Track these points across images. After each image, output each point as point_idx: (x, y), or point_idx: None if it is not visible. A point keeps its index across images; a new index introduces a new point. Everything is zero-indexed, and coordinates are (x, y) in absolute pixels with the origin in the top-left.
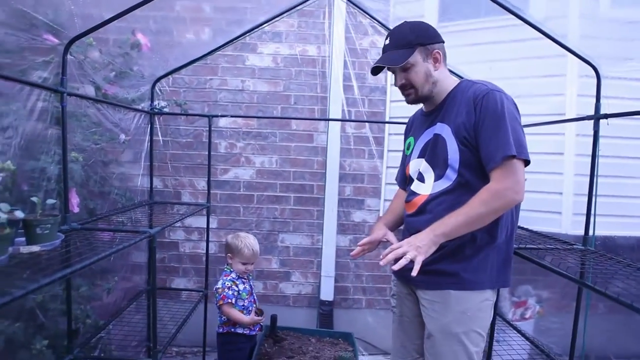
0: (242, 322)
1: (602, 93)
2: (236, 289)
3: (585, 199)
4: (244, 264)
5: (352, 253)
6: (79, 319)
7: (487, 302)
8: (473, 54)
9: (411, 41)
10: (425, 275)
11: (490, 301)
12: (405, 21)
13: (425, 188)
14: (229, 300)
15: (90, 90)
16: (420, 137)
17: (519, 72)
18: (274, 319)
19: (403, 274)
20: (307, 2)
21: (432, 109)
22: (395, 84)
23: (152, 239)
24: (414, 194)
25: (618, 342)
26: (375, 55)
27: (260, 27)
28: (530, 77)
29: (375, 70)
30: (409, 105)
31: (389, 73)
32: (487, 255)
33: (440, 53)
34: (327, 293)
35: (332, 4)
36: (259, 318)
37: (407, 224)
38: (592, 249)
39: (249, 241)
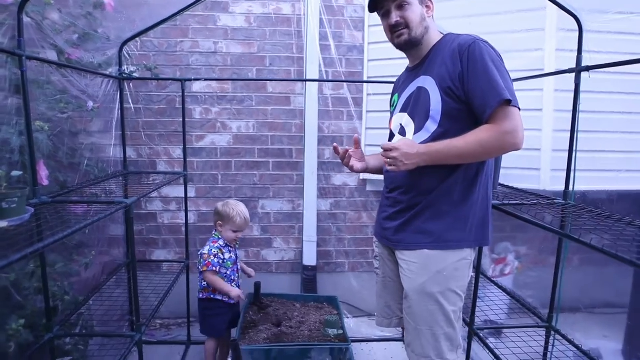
0: (225, 291)
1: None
2: (222, 257)
3: (564, 155)
4: (234, 231)
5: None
6: (56, 296)
7: (464, 261)
8: (452, 9)
9: None
10: (402, 234)
11: (468, 260)
12: None
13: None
14: (213, 268)
15: (52, 56)
16: (404, 92)
17: (498, 27)
18: (257, 286)
19: (383, 235)
20: None
21: (417, 63)
22: (390, 22)
23: (129, 210)
24: None
25: (590, 293)
26: (352, 13)
27: None
28: (509, 32)
29: (372, 6)
30: (398, 49)
31: (367, 30)
32: (464, 212)
33: (432, 3)
34: (309, 258)
35: None
36: (240, 293)
37: (385, 179)
38: (572, 203)
39: (240, 209)
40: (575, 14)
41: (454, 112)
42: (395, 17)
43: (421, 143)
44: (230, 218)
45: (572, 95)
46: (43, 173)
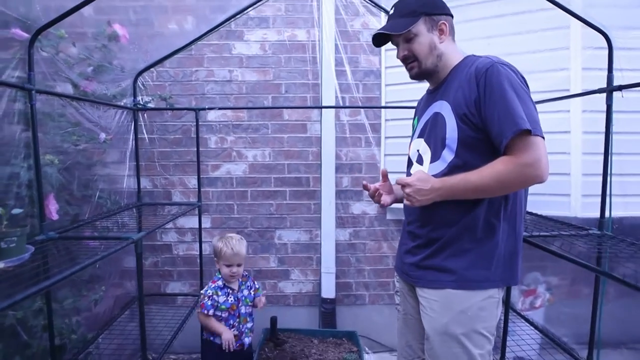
0: (217, 333)
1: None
2: (216, 299)
3: (595, 179)
4: (227, 266)
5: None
6: (64, 334)
7: (491, 299)
8: (470, 30)
9: (415, 10)
10: (422, 270)
11: (496, 298)
12: None
13: (422, 170)
14: (205, 311)
15: (67, 88)
16: (422, 116)
17: (519, 47)
18: (273, 321)
19: (403, 270)
20: None
21: (436, 86)
22: (398, 56)
23: (137, 245)
24: None
25: (632, 327)
26: (368, 37)
27: (244, 12)
28: (531, 52)
29: (378, 41)
30: (412, 80)
31: (383, 54)
32: (489, 248)
33: (447, 25)
34: (328, 290)
35: None
36: (230, 339)
37: (404, 210)
38: (609, 234)
39: (230, 240)
40: (604, 30)
41: (471, 140)
42: (402, 50)
43: (438, 174)
44: (219, 251)
45: (601, 115)
46: (53, 207)
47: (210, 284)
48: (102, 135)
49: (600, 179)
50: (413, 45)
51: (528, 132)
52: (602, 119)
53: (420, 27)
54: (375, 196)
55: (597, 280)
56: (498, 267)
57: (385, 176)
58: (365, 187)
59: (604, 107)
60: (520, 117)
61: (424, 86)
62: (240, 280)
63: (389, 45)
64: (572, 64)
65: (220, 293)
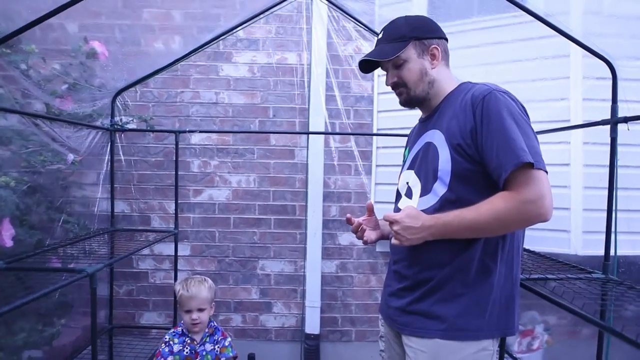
0: None
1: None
2: (171, 347)
3: (596, 215)
4: (186, 312)
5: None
6: None
7: (484, 352)
8: (467, 57)
9: (405, 34)
10: (408, 316)
11: (489, 351)
12: (402, 16)
13: (411, 205)
14: (160, 359)
15: (41, 107)
16: (414, 147)
17: (517, 75)
18: (251, 358)
19: (388, 314)
20: (281, 5)
21: (428, 114)
22: (387, 83)
23: (92, 279)
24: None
25: None
26: None
27: (232, 32)
28: (529, 80)
29: (365, 67)
30: (403, 107)
31: (376, 80)
32: (484, 293)
33: (439, 49)
34: (312, 325)
35: (310, 8)
36: None
37: (390, 247)
38: (614, 279)
39: (189, 282)
40: (608, 59)
41: (465, 173)
42: (391, 77)
43: (428, 208)
44: (177, 295)
45: (603, 148)
46: (7, 233)
47: (173, 328)
48: (70, 157)
49: (602, 214)
50: (402, 71)
51: (530, 166)
52: (604, 151)
53: (410, 53)
54: (358, 231)
55: (601, 334)
56: (493, 315)
57: (370, 210)
58: (349, 221)
59: (607, 139)
60: (521, 148)
61: (419, 113)
62: (206, 331)
63: (382, 71)
64: (573, 94)
65: (176, 340)
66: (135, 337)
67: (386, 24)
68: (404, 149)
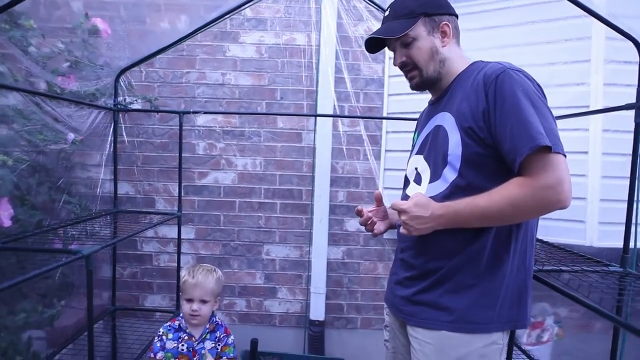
0: None
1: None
2: (164, 342)
3: (614, 205)
4: (188, 300)
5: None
6: (8, 355)
7: (493, 346)
8: (484, 39)
9: (414, 10)
10: (415, 306)
11: (499, 345)
12: None
13: (420, 191)
14: (151, 355)
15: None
16: (423, 131)
17: (535, 58)
18: (254, 344)
19: (393, 303)
20: None
21: (438, 96)
22: (395, 63)
23: (88, 260)
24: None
25: None
26: None
27: (239, 10)
28: (548, 64)
29: (371, 47)
30: (413, 91)
31: (387, 62)
32: (495, 285)
33: (450, 26)
34: (317, 312)
35: None
36: None
37: (397, 235)
38: (633, 272)
39: (196, 269)
40: (636, 37)
41: (477, 157)
42: (399, 57)
43: (437, 195)
44: (182, 280)
45: (624, 136)
46: (5, 213)
47: (170, 320)
48: (70, 136)
49: (620, 205)
50: (412, 50)
51: (547, 149)
52: (624, 139)
53: (419, 30)
54: (367, 224)
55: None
56: (504, 307)
57: (379, 200)
58: (359, 213)
59: (627, 127)
60: (537, 131)
61: (430, 96)
62: (206, 327)
63: (390, 49)
64: (593, 79)
65: (170, 336)
66: (138, 319)
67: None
68: (413, 134)
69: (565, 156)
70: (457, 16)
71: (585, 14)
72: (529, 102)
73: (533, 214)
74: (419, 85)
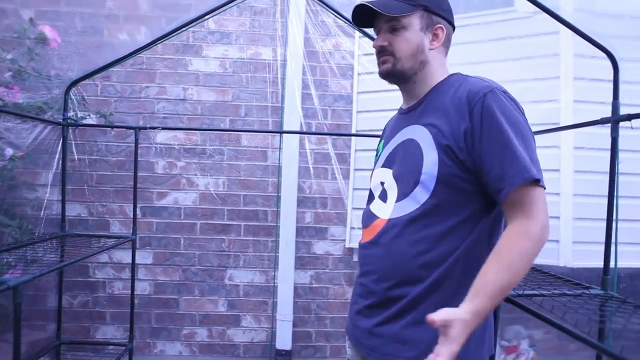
0: None
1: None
2: None
3: (588, 223)
4: None
5: None
6: None
7: None
8: (454, 55)
9: None
10: (376, 339)
11: None
12: None
13: (385, 210)
14: None
15: None
16: (392, 141)
17: (504, 75)
18: None
19: (354, 335)
20: None
21: (412, 104)
22: (374, 44)
23: (16, 293)
24: (373, 216)
25: None
26: (339, 60)
27: (201, 20)
28: (517, 80)
29: (358, 19)
30: (381, 78)
31: (356, 78)
32: None
33: (444, 31)
34: (283, 340)
35: (287, 1)
36: None
37: (359, 257)
38: (614, 295)
39: None
40: (610, 50)
41: (453, 179)
42: (382, 40)
43: (405, 215)
44: None
45: (594, 153)
46: None
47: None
48: (9, 152)
49: (593, 224)
50: (397, 38)
51: (535, 182)
52: (596, 157)
53: (414, 21)
54: None
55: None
56: (472, 339)
57: None
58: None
59: (599, 144)
60: (527, 162)
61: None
62: None
63: (363, 68)
64: (563, 95)
65: None
66: (87, 353)
67: None
68: (378, 142)
69: (545, 188)
70: (454, 28)
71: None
72: (517, 129)
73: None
74: (388, 73)
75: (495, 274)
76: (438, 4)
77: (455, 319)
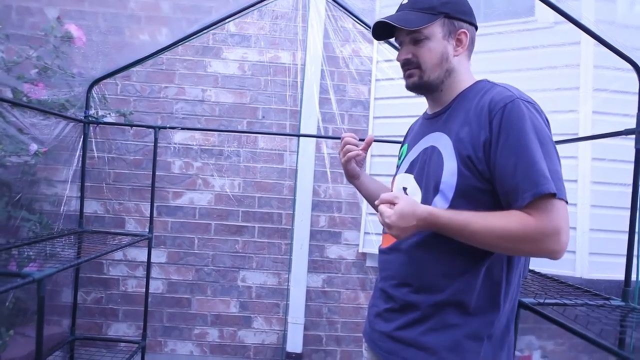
0: None
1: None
2: None
3: (604, 235)
4: None
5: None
6: None
7: None
8: (475, 64)
9: (436, 6)
10: (394, 343)
11: None
12: None
13: (407, 197)
14: None
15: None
16: (415, 146)
17: (524, 84)
18: None
19: (372, 338)
20: None
21: (437, 110)
22: (398, 58)
23: (40, 286)
24: None
25: None
26: (358, 65)
27: (222, 23)
28: (537, 90)
29: (378, 33)
30: (408, 90)
31: (373, 84)
32: (482, 324)
33: (467, 36)
34: (294, 343)
35: (308, 6)
36: None
37: (379, 262)
38: (638, 307)
39: None
40: (635, 60)
41: (472, 190)
42: (405, 53)
43: None
44: None
45: (612, 165)
46: None
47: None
48: (33, 147)
49: (610, 235)
50: (421, 49)
51: (551, 195)
52: (614, 168)
53: (436, 30)
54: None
55: None
56: (489, 349)
57: (367, 146)
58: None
59: (617, 155)
60: (543, 174)
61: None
62: None
63: (381, 74)
64: (582, 107)
65: None
66: (99, 349)
67: None
68: (400, 146)
69: (567, 202)
70: (476, 27)
71: (574, 41)
72: (536, 139)
73: (521, 254)
74: (415, 86)
75: (469, 218)
76: (459, 8)
77: (404, 196)
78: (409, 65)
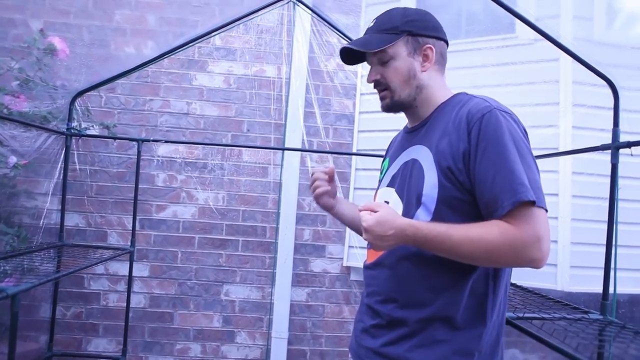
0: None
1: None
2: None
3: (585, 248)
4: None
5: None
6: None
7: None
8: (454, 79)
9: (398, 26)
10: (380, 358)
11: None
12: (401, 6)
13: (387, 206)
14: None
15: None
16: (396, 160)
17: (505, 99)
18: None
19: (358, 354)
20: (261, 12)
21: (416, 124)
22: (368, 80)
23: (14, 301)
24: None
25: None
26: (343, 79)
27: (207, 37)
28: (517, 105)
29: (348, 58)
30: (384, 112)
31: (358, 98)
32: (469, 340)
33: (434, 50)
34: (278, 358)
35: (293, 20)
36: None
37: (364, 277)
38: (615, 321)
39: None
40: (610, 78)
41: (453, 201)
42: (374, 74)
43: None
44: None
45: (592, 179)
46: None
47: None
48: (12, 159)
49: (590, 249)
50: (388, 70)
51: (530, 203)
52: (593, 182)
53: (399, 49)
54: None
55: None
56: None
57: (331, 177)
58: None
59: (597, 170)
60: (521, 183)
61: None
62: None
63: (366, 88)
64: (562, 122)
65: None
66: None
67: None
68: (382, 160)
69: (547, 210)
70: (447, 42)
71: (554, 57)
72: (514, 149)
73: (505, 265)
74: (389, 107)
75: (448, 229)
76: (422, 25)
77: (387, 206)
78: (379, 86)
